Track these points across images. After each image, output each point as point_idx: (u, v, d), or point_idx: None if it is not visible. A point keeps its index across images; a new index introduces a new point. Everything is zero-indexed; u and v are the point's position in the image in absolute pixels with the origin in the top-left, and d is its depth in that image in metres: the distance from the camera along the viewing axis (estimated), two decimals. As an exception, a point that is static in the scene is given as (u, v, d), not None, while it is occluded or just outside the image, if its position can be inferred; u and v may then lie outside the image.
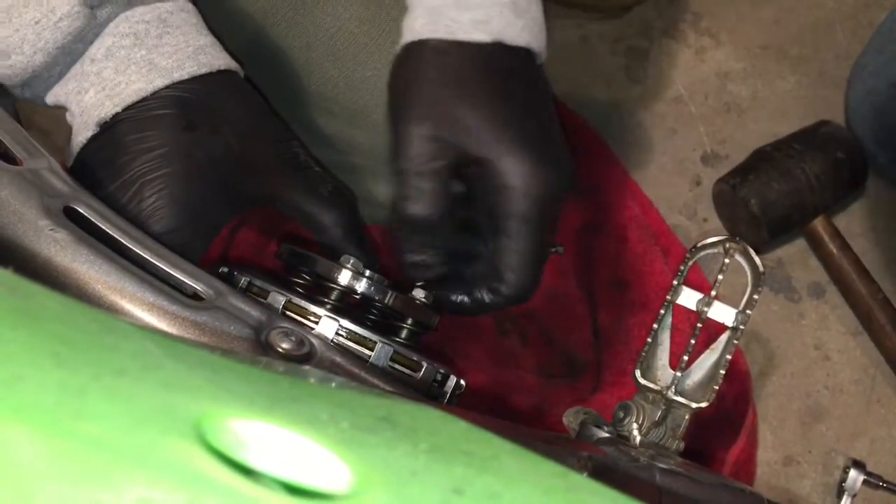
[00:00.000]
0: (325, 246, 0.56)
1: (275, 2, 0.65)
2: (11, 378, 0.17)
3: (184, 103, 0.51)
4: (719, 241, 0.55)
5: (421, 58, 0.56)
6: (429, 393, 0.53)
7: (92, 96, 0.50)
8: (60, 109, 0.53)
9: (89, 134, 0.51)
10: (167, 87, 0.51)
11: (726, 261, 0.54)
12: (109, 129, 0.50)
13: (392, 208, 0.56)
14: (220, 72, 0.53)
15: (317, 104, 0.69)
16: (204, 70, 0.52)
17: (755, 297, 0.53)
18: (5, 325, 0.19)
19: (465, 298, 0.58)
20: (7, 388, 0.17)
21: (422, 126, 0.54)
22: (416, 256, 0.56)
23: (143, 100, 0.50)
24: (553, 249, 0.94)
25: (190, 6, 0.54)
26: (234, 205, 0.54)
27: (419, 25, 0.56)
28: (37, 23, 0.48)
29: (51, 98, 0.52)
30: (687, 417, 0.52)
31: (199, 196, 0.50)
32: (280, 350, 0.42)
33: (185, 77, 0.51)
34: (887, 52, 1.03)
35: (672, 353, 0.54)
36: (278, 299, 0.50)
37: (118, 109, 0.50)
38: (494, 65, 0.56)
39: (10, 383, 0.17)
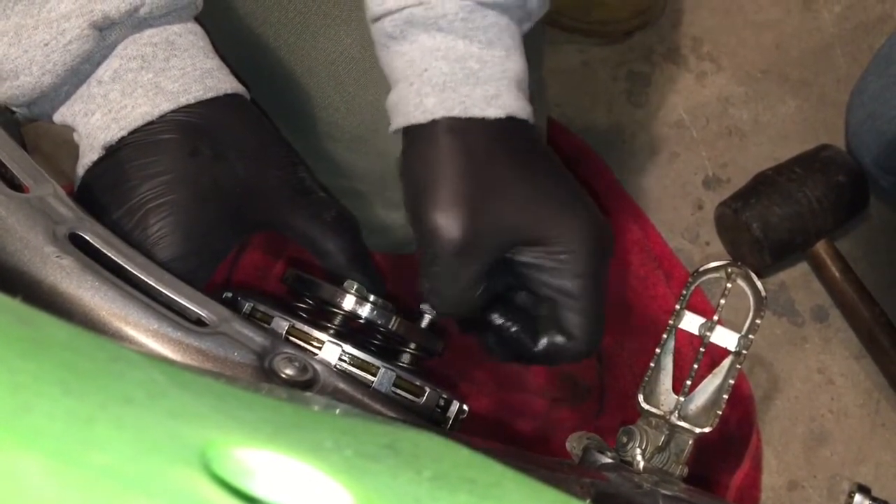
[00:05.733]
0: (330, 271, 0.56)
1: (277, 27, 0.66)
2: (20, 407, 0.18)
3: (189, 128, 0.51)
4: (721, 266, 0.55)
5: (439, 140, 0.53)
6: (432, 418, 0.53)
7: (98, 119, 0.50)
8: (69, 129, 0.53)
9: (95, 157, 0.50)
10: (173, 111, 0.51)
11: (728, 285, 0.54)
12: (115, 152, 0.50)
13: (426, 298, 0.55)
14: (226, 95, 0.53)
15: (319, 129, 0.69)
16: (210, 94, 0.52)
17: (758, 321, 0.53)
18: (14, 354, 0.19)
19: (539, 345, 0.57)
20: (16, 417, 0.17)
21: (452, 223, 0.52)
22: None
23: (149, 124, 0.50)
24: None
25: (198, 28, 0.54)
26: (239, 230, 0.54)
27: (431, 104, 0.53)
28: (46, 45, 0.48)
29: (57, 117, 0.52)
30: (690, 442, 0.52)
31: (205, 223, 0.50)
32: (283, 376, 0.42)
33: (192, 101, 0.51)
34: (887, 76, 1.04)
35: (675, 378, 0.54)
36: (282, 325, 0.50)
37: (124, 133, 0.50)
38: (513, 141, 0.54)
39: (20, 412, 0.18)
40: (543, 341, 0.57)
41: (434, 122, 0.53)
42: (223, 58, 0.56)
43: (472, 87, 0.53)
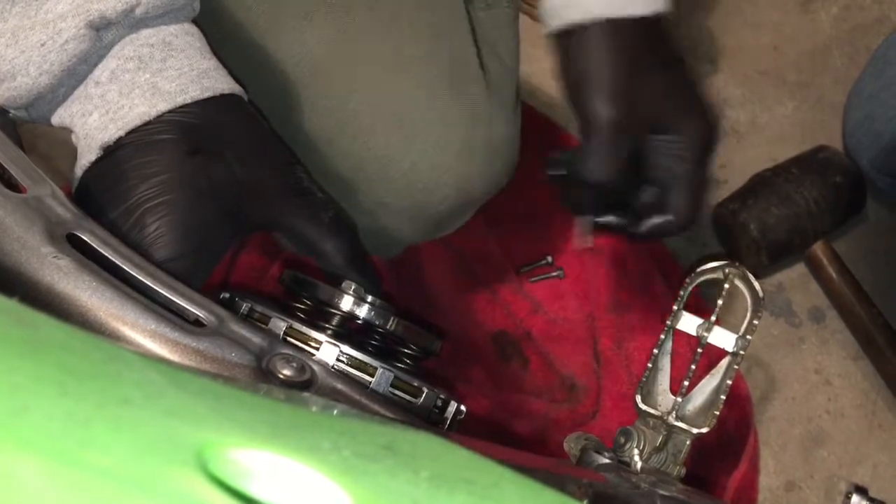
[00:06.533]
0: (328, 272, 0.56)
1: (241, 26, 0.66)
2: (18, 408, 0.18)
3: (187, 128, 0.51)
4: (719, 267, 0.55)
5: (601, 37, 0.64)
6: (429, 419, 0.53)
7: (96, 119, 0.50)
8: (66, 130, 0.53)
9: (92, 157, 0.50)
10: (170, 111, 0.51)
11: (726, 286, 0.54)
12: (112, 153, 0.50)
13: (571, 172, 0.67)
14: (223, 96, 0.53)
15: (284, 132, 0.69)
16: (207, 94, 0.52)
17: (755, 321, 0.53)
18: (12, 355, 0.19)
19: (613, 219, 0.72)
20: (14, 418, 0.17)
21: (611, 108, 0.64)
22: (581, 204, 0.71)
23: (147, 124, 0.50)
24: (555, 273, 0.96)
25: (195, 29, 0.54)
26: (236, 230, 0.54)
27: (593, 4, 0.64)
28: (42, 45, 0.48)
29: (55, 119, 0.52)
30: (688, 443, 0.52)
31: (202, 222, 0.50)
32: (281, 377, 0.42)
33: (189, 101, 0.51)
34: (884, 77, 1.04)
35: (673, 379, 0.54)
36: (279, 325, 0.50)
37: (121, 133, 0.50)
38: (657, 38, 0.66)
39: (17, 413, 0.18)
40: (649, 222, 0.69)
41: (596, 23, 0.64)
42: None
43: None
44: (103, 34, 0.50)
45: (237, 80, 0.55)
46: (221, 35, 0.66)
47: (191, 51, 0.52)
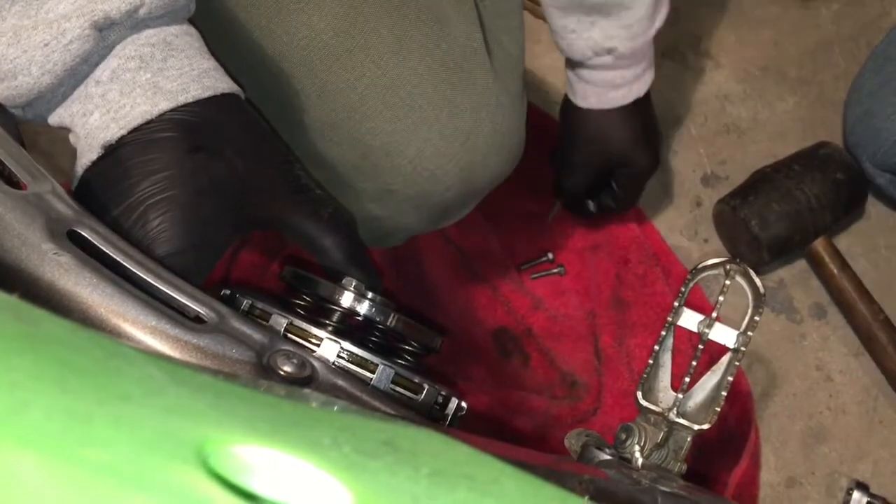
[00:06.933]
0: (328, 269, 0.56)
1: (249, 8, 0.65)
2: (18, 404, 0.18)
3: (188, 126, 0.51)
4: (720, 263, 0.55)
5: (589, 118, 0.98)
6: (430, 415, 0.53)
7: (97, 119, 0.50)
8: (64, 130, 0.53)
9: (94, 156, 0.50)
10: (172, 110, 0.51)
11: (727, 282, 0.54)
12: (114, 151, 0.50)
13: (558, 186, 1.05)
14: (223, 95, 0.53)
15: (290, 116, 0.69)
16: (208, 93, 0.52)
17: (756, 318, 0.53)
18: (12, 352, 0.19)
19: (592, 208, 1.08)
20: (13, 415, 0.17)
21: (585, 156, 1.01)
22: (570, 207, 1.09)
23: (148, 123, 0.50)
24: (555, 270, 0.97)
25: (193, 30, 0.54)
26: (237, 227, 0.54)
27: (593, 101, 0.97)
28: (46, 45, 0.48)
29: (54, 119, 0.52)
30: (689, 439, 0.52)
31: (203, 218, 0.50)
32: (282, 373, 0.42)
33: (190, 100, 0.51)
34: (884, 73, 1.04)
35: (674, 375, 0.54)
36: (280, 322, 0.50)
37: (123, 132, 0.50)
38: (633, 111, 0.98)
39: (17, 410, 0.18)
40: (602, 202, 1.07)
41: (586, 111, 0.99)
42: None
43: (616, 91, 0.96)
44: (106, 34, 0.50)
45: (235, 80, 0.56)
46: (226, 21, 0.66)
47: (191, 51, 0.53)
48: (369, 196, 0.72)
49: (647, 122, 1.00)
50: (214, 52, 0.56)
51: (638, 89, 0.96)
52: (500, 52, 0.76)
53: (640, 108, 0.98)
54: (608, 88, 0.95)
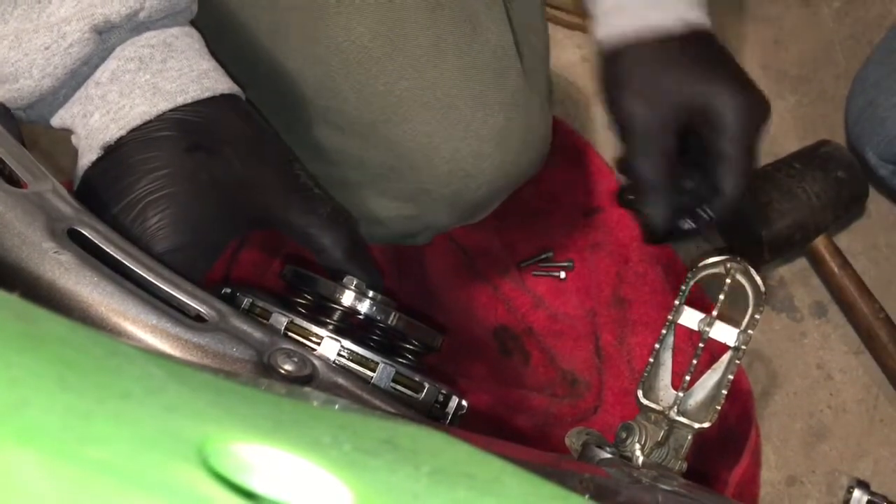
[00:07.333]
0: (328, 267, 0.56)
1: (287, 11, 0.66)
2: (18, 402, 0.18)
3: (187, 126, 0.51)
4: (720, 261, 0.55)
5: (637, 51, 0.72)
6: (431, 414, 0.53)
7: (97, 119, 0.51)
8: (66, 132, 0.53)
9: (94, 157, 0.51)
10: (171, 110, 0.51)
11: (728, 280, 0.54)
12: (113, 151, 0.51)
13: (627, 174, 0.72)
14: (222, 96, 0.53)
15: (324, 119, 0.69)
16: (207, 94, 0.52)
17: (757, 316, 0.53)
18: (12, 350, 0.19)
19: (691, 223, 0.72)
20: (13, 413, 0.17)
21: (644, 105, 0.70)
22: (654, 212, 0.70)
23: (147, 123, 0.50)
24: (565, 264, 0.97)
25: (194, 32, 0.55)
26: (236, 225, 0.54)
27: (626, 26, 0.72)
28: (46, 48, 0.49)
29: (56, 121, 0.52)
30: (689, 438, 0.52)
31: (203, 216, 0.51)
32: (282, 371, 0.42)
33: (189, 101, 0.51)
34: (888, 64, 1.04)
35: (674, 373, 0.54)
36: (280, 320, 0.50)
37: (123, 133, 0.50)
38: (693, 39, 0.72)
39: (17, 407, 0.18)
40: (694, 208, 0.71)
41: (627, 45, 0.72)
42: (224, 52, 0.56)
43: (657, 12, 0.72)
44: (106, 37, 0.50)
45: (237, 82, 0.56)
46: (257, 18, 0.66)
47: (190, 52, 0.53)
48: (406, 195, 0.72)
49: (722, 53, 0.75)
50: (239, 58, 0.56)
51: (685, 11, 0.72)
52: (529, 52, 0.76)
53: (703, 39, 0.73)
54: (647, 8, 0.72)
